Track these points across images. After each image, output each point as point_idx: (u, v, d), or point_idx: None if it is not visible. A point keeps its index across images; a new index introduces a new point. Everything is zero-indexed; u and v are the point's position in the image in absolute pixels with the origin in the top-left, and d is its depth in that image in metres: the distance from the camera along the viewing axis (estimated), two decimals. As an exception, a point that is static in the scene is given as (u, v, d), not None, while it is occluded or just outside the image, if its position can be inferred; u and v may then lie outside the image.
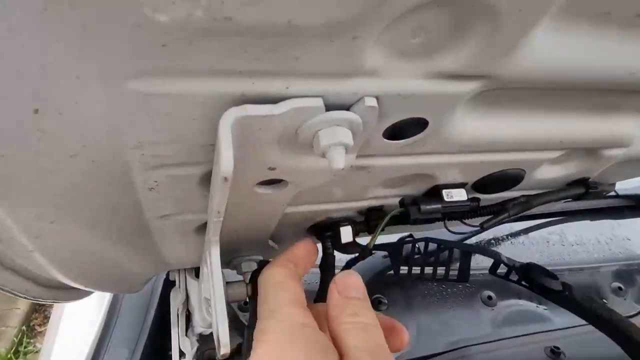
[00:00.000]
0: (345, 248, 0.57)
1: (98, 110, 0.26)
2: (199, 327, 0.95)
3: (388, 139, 0.38)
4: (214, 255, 0.40)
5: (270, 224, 0.49)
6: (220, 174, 0.27)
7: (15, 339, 2.75)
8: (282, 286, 0.38)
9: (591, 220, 1.25)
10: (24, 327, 2.85)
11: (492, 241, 1.14)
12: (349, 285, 0.38)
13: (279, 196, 0.42)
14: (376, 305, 0.95)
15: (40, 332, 2.91)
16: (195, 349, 0.93)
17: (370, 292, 0.93)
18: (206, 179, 0.39)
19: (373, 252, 0.53)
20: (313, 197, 0.48)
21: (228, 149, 0.27)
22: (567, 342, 0.91)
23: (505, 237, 1.15)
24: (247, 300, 0.55)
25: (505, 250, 1.13)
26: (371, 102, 0.31)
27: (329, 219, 0.55)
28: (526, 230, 1.18)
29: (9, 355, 2.63)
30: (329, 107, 0.31)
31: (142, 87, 0.26)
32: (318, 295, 0.58)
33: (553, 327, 0.96)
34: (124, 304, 0.89)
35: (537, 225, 1.19)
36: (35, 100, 0.23)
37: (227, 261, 0.62)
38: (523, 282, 0.63)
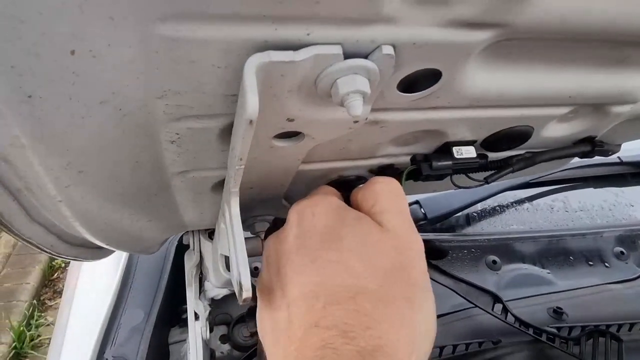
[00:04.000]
0: None
1: (128, 55, 0.27)
2: (211, 291, 0.98)
3: (402, 91, 0.39)
4: (234, 206, 0.41)
5: (284, 180, 0.51)
6: (245, 116, 0.28)
7: (26, 312, 2.81)
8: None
9: (595, 187, 1.26)
10: (34, 301, 2.91)
11: (497, 208, 1.16)
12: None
13: (295, 150, 0.43)
14: (383, 269, 0.97)
15: (50, 305, 2.98)
16: (207, 312, 0.96)
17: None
18: (225, 133, 0.40)
19: None
20: (327, 154, 0.49)
21: (254, 92, 0.28)
22: (569, 303, 0.93)
23: (510, 204, 1.17)
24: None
25: (510, 216, 1.15)
26: (388, 50, 0.32)
27: (342, 177, 0.56)
28: (531, 198, 1.19)
29: (21, 328, 2.69)
30: (347, 56, 0.32)
31: (170, 31, 0.27)
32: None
33: (557, 289, 0.98)
34: (138, 268, 0.92)
35: (542, 192, 1.20)
36: (72, 40, 0.24)
37: (242, 220, 0.64)
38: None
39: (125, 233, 0.55)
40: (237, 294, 0.41)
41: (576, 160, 1.23)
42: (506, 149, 0.56)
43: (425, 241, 0.67)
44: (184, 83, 0.32)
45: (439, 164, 0.52)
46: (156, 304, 0.86)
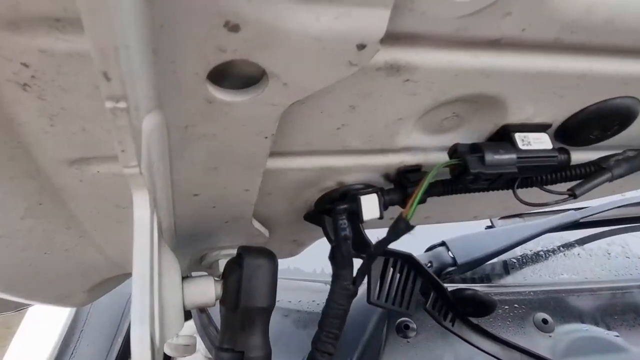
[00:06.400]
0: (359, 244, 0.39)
1: None
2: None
3: None
4: (137, 206, 0.22)
5: (249, 182, 0.32)
6: None
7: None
8: None
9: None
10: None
11: (542, 253, 0.95)
12: None
13: (258, 111, 0.24)
14: (402, 331, 0.76)
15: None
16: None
17: (395, 315, 0.73)
18: None
19: (414, 226, 0.35)
20: (316, 138, 0.31)
21: None
22: (654, 378, 0.70)
23: (556, 248, 0.96)
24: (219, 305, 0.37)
25: (559, 263, 0.93)
26: None
27: (342, 185, 0.37)
28: (581, 241, 0.98)
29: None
30: None
31: None
32: (327, 305, 0.39)
33: (631, 358, 0.75)
34: (87, 328, 0.71)
35: (595, 234, 0.99)
36: None
37: (199, 258, 0.45)
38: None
39: (20, 271, 0.36)
40: None
41: (631, 196, 1.03)
42: (595, 141, 0.37)
43: (463, 289, 0.46)
44: None
45: (496, 157, 0.32)
46: (103, 377, 0.65)
